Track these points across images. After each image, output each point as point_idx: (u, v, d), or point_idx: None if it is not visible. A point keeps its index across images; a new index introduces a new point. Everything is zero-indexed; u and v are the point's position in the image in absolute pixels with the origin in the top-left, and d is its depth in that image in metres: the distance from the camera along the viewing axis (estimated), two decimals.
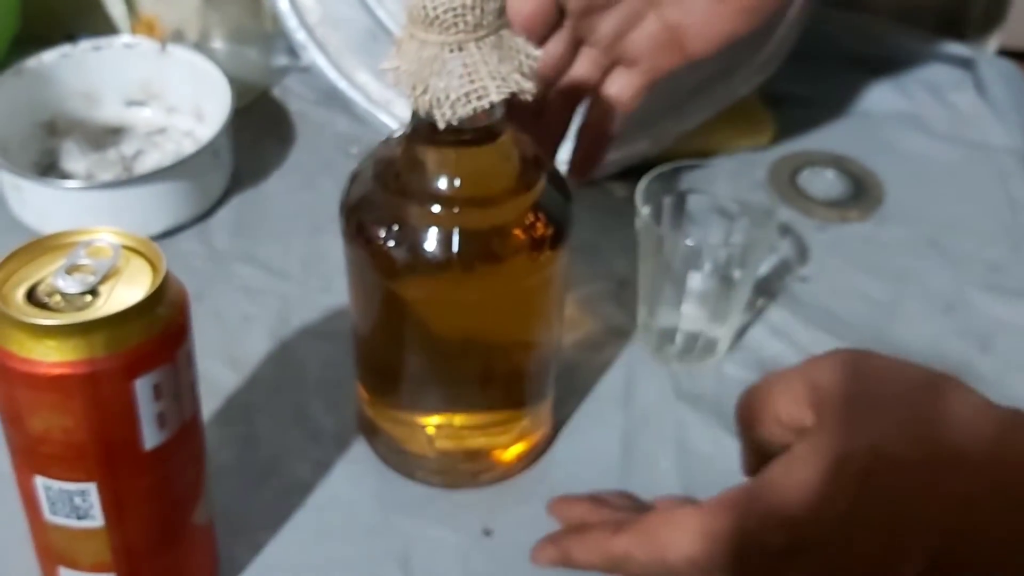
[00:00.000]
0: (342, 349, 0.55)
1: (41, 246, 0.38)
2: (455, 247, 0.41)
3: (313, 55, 0.68)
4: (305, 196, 0.65)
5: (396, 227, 0.41)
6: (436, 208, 0.40)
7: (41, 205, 0.60)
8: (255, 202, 0.65)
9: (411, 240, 0.41)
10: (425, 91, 0.38)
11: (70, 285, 0.36)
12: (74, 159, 0.65)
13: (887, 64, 0.74)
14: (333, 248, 0.61)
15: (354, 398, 0.52)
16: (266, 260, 0.61)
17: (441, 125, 0.39)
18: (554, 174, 0.44)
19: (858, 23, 0.74)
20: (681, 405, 0.53)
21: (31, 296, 0.36)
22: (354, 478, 0.49)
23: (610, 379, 0.54)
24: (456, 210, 0.40)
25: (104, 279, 0.37)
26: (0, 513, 0.46)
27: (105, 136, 0.67)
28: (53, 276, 0.37)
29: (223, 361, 0.54)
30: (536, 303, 0.44)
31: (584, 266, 0.59)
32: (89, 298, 0.37)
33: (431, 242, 0.41)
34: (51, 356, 0.35)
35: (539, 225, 0.42)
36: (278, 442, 0.51)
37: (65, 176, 0.64)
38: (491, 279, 0.42)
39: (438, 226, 0.41)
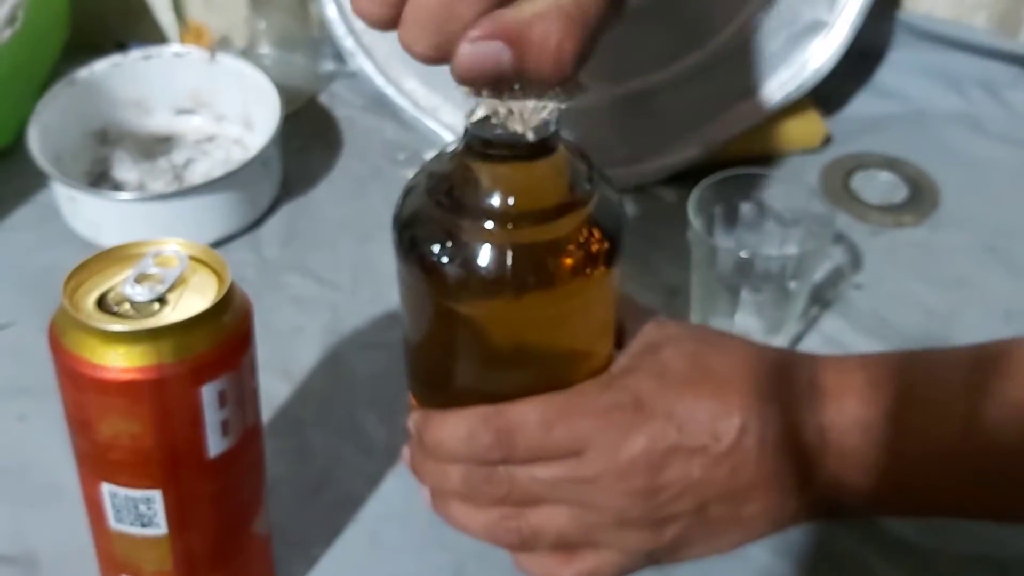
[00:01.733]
0: (392, 359, 0.55)
1: (110, 256, 0.39)
2: (508, 264, 0.40)
3: (361, 62, 0.68)
4: (354, 204, 0.65)
5: (449, 243, 0.41)
6: (489, 224, 0.40)
7: (94, 216, 0.61)
8: (304, 210, 0.65)
9: (464, 257, 0.41)
10: (509, 111, 0.38)
11: (139, 293, 0.37)
12: (126, 168, 0.66)
13: (941, 63, 0.72)
14: (382, 256, 0.61)
15: (405, 409, 0.53)
16: (316, 269, 0.61)
17: (519, 135, 0.39)
18: (607, 187, 0.43)
19: (912, 22, 0.72)
20: None
21: (101, 304, 0.37)
22: (407, 491, 0.49)
23: None
24: (510, 226, 0.40)
25: (172, 288, 0.38)
26: (62, 525, 0.47)
27: (156, 144, 0.68)
28: (122, 284, 0.38)
29: (275, 372, 0.54)
30: (591, 316, 0.44)
31: (634, 275, 0.59)
32: (157, 306, 0.37)
33: (484, 259, 0.40)
34: (121, 362, 0.36)
35: (593, 240, 0.41)
36: (330, 455, 0.51)
37: (117, 185, 0.65)
38: (545, 295, 0.41)
39: (491, 243, 0.40)
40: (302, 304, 0.59)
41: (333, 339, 0.57)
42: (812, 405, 0.41)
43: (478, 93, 0.38)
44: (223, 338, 0.38)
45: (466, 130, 0.40)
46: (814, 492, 0.41)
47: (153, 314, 0.37)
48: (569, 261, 0.41)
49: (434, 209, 0.41)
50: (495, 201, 0.40)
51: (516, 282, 0.41)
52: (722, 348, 0.43)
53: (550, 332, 0.43)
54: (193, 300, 0.37)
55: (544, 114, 0.38)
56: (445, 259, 0.41)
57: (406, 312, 0.45)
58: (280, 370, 0.55)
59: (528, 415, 0.41)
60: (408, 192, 0.44)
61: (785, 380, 0.42)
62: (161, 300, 0.37)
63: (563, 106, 0.38)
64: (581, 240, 0.41)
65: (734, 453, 0.40)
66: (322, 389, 0.54)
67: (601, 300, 0.43)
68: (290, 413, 0.53)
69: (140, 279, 0.38)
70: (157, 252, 0.39)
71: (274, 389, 0.54)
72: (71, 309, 0.36)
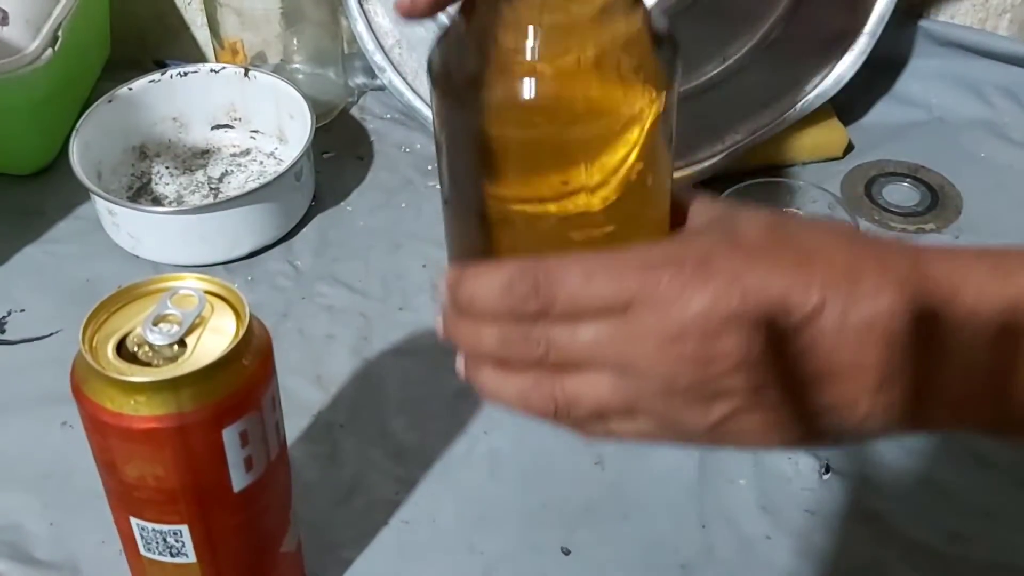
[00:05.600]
0: (422, 366, 0.57)
1: (129, 294, 0.39)
2: (547, 88, 0.38)
3: (390, 76, 0.69)
4: (384, 214, 0.67)
5: (487, 70, 0.38)
6: (529, 43, 0.37)
7: (134, 229, 0.63)
8: (336, 221, 0.66)
9: (503, 83, 0.38)
10: None
11: (158, 337, 0.37)
12: (164, 182, 0.68)
13: (963, 70, 0.73)
14: (412, 265, 0.63)
15: (434, 414, 0.54)
16: (347, 279, 0.62)
17: None
18: (650, 12, 0.39)
19: (933, 29, 0.73)
20: None
21: (120, 348, 0.38)
22: (436, 496, 0.51)
23: None
24: (548, 49, 0.37)
25: (190, 329, 0.38)
26: (103, 532, 0.49)
27: (193, 158, 0.70)
28: (141, 327, 0.38)
29: (308, 379, 0.56)
30: (640, 151, 0.40)
31: None
32: (177, 348, 0.38)
33: (523, 85, 0.37)
34: (141, 411, 0.37)
35: (637, 62, 0.38)
36: (361, 460, 0.53)
37: (156, 198, 0.67)
38: (587, 118, 0.38)
39: (529, 71, 0.37)
40: (334, 312, 0.60)
41: (364, 346, 0.58)
42: (913, 293, 0.35)
43: None
44: (243, 381, 0.38)
45: None
46: (896, 392, 0.36)
47: (173, 357, 0.37)
48: (612, 83, 0.38)
49: (470, 38, 0.39)
50: (531, 22, 0.37)
51: (554, 104, 0.38)
52: (807, 224, 0.37)
53: (593, 163, 0.40)
54: (212, 341, 0.38)
55: None
56: (483, 86, 0.38)
57: (446, 166, 0.42)
58: (314, 377, 0.56)
59: (570, 265, 0.36)
60: (445, 31, 0.41)
61: (881, 262, 0.35)
62: (180, 342, 0.38)
63: None
64: (624, 61, 0.38)
65: (805, 332, 0.34)
66: (353, 395, 0.56)
67: (650, 130, 0.39)
68: (322, 419, 0.55)
69: (158, 320, 0.38)
70: (174, 291, 0.39)
71: (307, 395, 0.55)
72: (91, 359, 0.37)
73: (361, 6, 0.69)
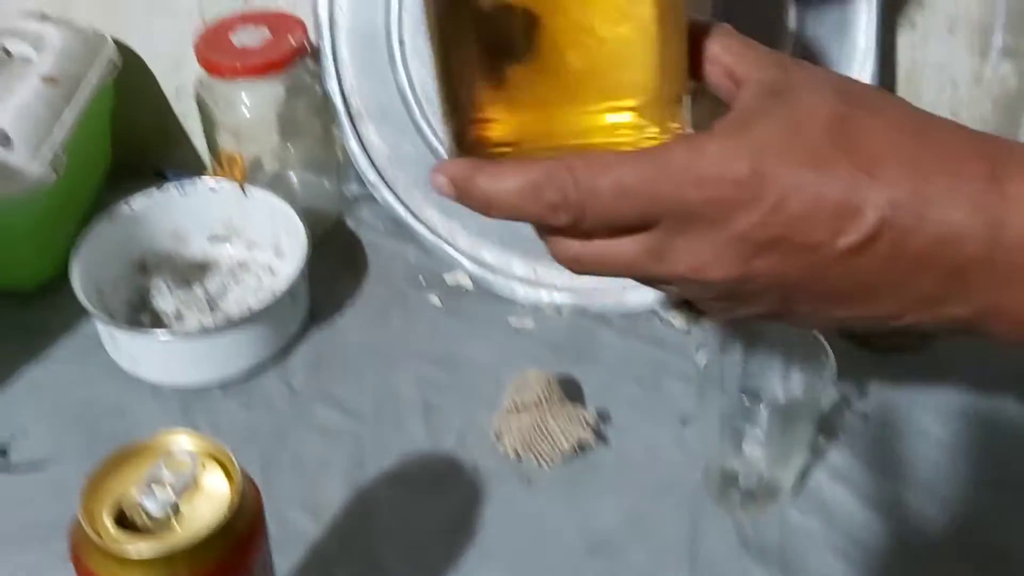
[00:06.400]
0: (414, 494, 0.58)
1: (124, 456, 0.41)
2: None
3: (383, 193, 0.71)
4: (378, 332, 0.68)
5: None
6: None
7: (133, 351, 0.64)
8: (330, 338, 0.68)
9: None
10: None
11: (153, 506, 0.39)
12: (163, 297, 0.69)
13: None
14: (405, 384, 0.64)
15: (427, 543, 0.55)
16: (341, 399, 0.63)
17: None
18: None
19: None
20: (746, 557, 0.54)
21: (117, 515, 0.39)
22: None
23: (674, 528, 0.56)
24: None
25: (184, 491, 0.40)
26: None
27: (192, 271, 0.71)
28: (137, 493, 0.40)
29: (302, 508, 0.57)
30: None
31: (644, 403, 0.61)
32: (171, 513, 0.40)
33: None
34: None
35: None
36: None
37: (155, 314, 0.68)
38: None
39: None
40: (328, 436, 0.61)
41: (357, 473, 0.59)
42: (986, 207, 0.32)
43: None
44: (234, 544, 0.40)
45: None
46: (951, 311, 0.33)
47: (168, 523, 0.39)
48: None
49: None
50: None
51: None
52: (873, 108, 0.34)
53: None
54: (205, 507, 0.40)
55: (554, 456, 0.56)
56: None
57: (434, 34, 0.39)
58: (307, 507, 0.57)
59: (602, 175, 0.34)
60: None
61: (955, 174, 0.32)
62: (175, 507, 0.40)
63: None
64: None
65: (853, 258, 0.32)
66: (345, 525, 0.57)
67: None
68: (315, 551, 0.55)
69: (152, 485, 0.40)
70: (168, 454, 0.41)
71: (301, 526, 0.56)
72: (89, 530, 0.39)
73: (354, 125, 0.71)
